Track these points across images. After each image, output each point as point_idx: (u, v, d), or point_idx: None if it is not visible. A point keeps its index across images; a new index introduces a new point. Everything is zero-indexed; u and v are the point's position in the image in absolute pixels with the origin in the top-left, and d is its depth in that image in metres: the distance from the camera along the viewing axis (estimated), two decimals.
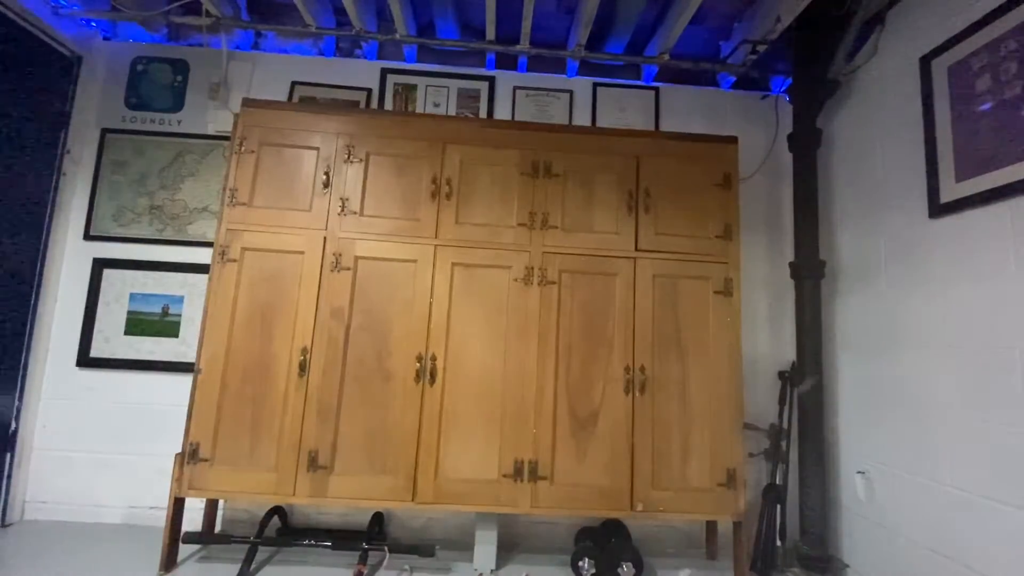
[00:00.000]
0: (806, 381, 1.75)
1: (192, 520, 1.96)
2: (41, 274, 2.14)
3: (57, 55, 2.19)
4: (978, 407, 1.48)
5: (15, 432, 2.06)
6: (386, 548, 1.85)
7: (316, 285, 1.83)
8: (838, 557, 1.95)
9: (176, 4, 2.19)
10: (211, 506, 2.03)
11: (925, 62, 1.74)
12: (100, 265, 2.20)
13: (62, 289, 2.20)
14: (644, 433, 1.84)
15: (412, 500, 1.76)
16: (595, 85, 2.48)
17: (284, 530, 2.02)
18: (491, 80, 2.46)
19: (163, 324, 2.19)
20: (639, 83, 2.52)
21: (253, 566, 1.79)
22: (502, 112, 2.44)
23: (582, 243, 1.93)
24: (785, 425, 2.11)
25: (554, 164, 1.96)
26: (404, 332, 1.83)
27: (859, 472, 1.90)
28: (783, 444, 2.10)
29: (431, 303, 1.85)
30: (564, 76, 2.49)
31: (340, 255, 1.85)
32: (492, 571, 1.88)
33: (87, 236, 2.23)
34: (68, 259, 2.22)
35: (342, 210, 1.88)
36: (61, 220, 2.21)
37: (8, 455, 2.05)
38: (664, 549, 2.16)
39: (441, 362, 1.83)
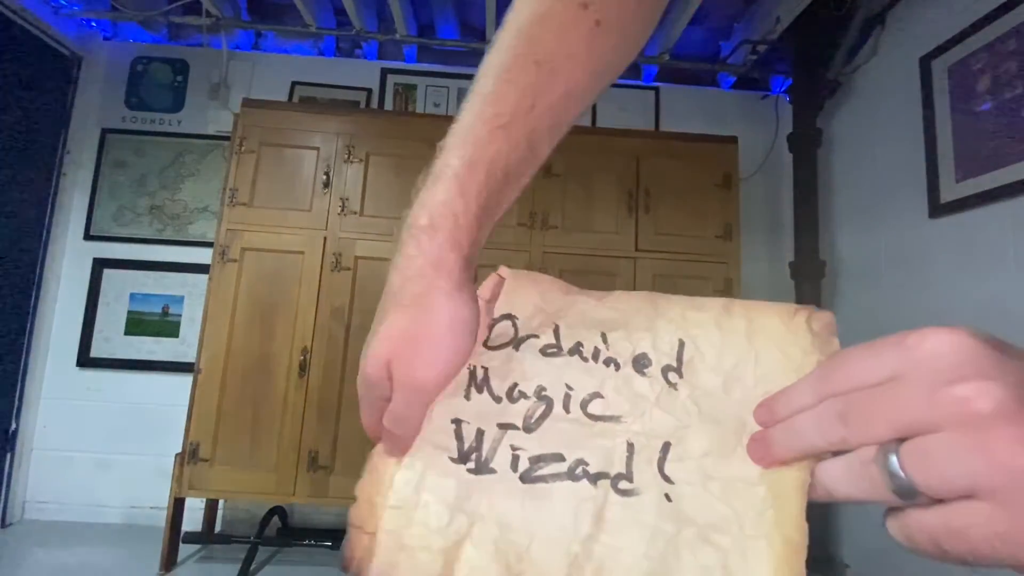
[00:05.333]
0: None
1: (192, 520, 1.96)
2: (41, 274, 2.14)
3: (57, 55, 2.19)
4: None
5: (15, 432, 2.06)
6: None
7: (316, 285, 1.83)
8: (838, 557, 1.95)
9: (176, 4, 2.19)
10: (211, 506, 2.03)
11: (925, 62, 1.74)
12: (100, 265, 2.20)
13: (62, 289, 2.20)
14: None
15: None
16: None
17: (284, 530, 2.02)
18: None
19: (163, 324, 2.19)
20: (639, 83, 2.52)
21: (253, 566, 1.79)
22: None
23: (582, 243, 1.93)
24: None
25: (554, 164, 1.96)
26: None
27: None
28: None
29: None
30: None
31: (340, 255, 1.85)
32: None
33: (87, 236, 2.23)
34: (68, 259, 2.22)
35: (342, 210, 1.88)
36: (61, 220, 2.21)
37: (8, 455, 2.05)
38: None
39: None
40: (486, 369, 0.31)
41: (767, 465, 0.27)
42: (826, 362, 0.25)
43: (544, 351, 0.32)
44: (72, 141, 2.24)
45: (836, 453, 0.24)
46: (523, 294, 0.35)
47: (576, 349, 0.31)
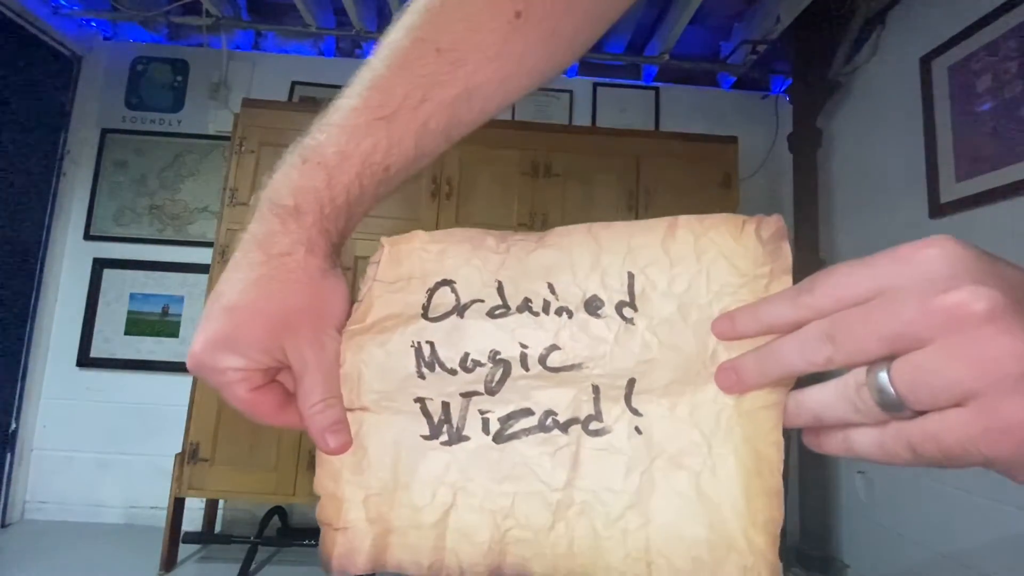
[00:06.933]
0: None
1: (192, 520, 1.96)
2: (41, 274, 2.14)
3: (57, 55, 2.18)
4: None
5: (15, 432, 2.06)
6: None
7: None
8: (838, 557, 1.95)
9: (176, 4, 2.19)
10: (211, 506, 2.03)
11: (925, 62, 1.74)
12: (100, 265, 2.20)
13: (62, 289, 2.20)
14: None
15: None
16: (595, 85, 2.48)
17: (284, 530, 2.02)
18: None
19: (163, 324, 2.19)
20: (639, 83, 2.52)
21: (253, 566, 1.79)
22: (502, 112, 2.43)
23: None
24: None
25: (554, 164, 1.96)
26: None
27: (859, 472, 1.90)
28: None
29: None
30: (564, 76, 2.49)
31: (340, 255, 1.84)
32: None
33: (87, 236, 2.22)
34: (68, 259, 2.22)
35: None
36: (61, 220, 2.21)
37: (8, 455, 2.05)
38: None
39: None
40: (431, 344, 0.30)
41: (738, 392, 0.26)
42: (810, 277, 0.24)
43: (492, 313, 0.30)
44: (72, 141, 2.24)
45: (814, 377, 0.24)
46: (454, 253, 0.32)
47: (525, 305, 0.30)
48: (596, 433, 0.29)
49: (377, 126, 0.30)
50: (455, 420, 0.30)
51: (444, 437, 0.30)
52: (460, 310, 0.31)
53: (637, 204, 1.97)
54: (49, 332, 2.17)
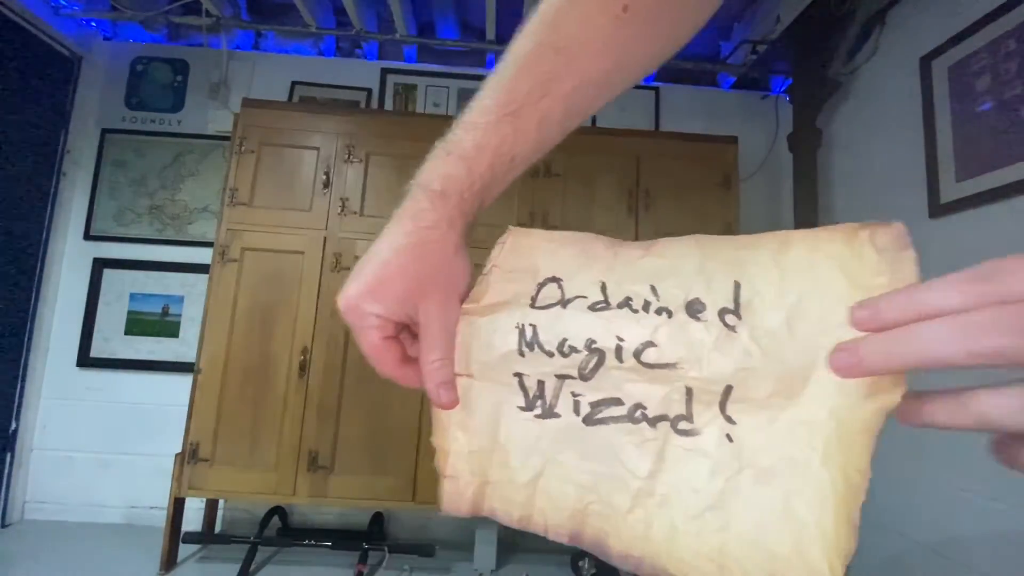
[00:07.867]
0: None
1: (192, 520, 1.96)
2: (41, 274, 2.14)
3: (57, 55, 2.18)
4: None
5: (15, 432, 2.06)
6: (386, 548, 1.85)
7: (316, 285, 1.83)
8: None
9: (176, 4, 2.19)
10: (211, 506, 2.03)
11: (925, 62, 1.74)
12: (100, 265, 2.20)
13: (62, 289, 2.20)
14: None
15: (412, 500, 1.76)
16: None
17: (284, 530, 2.02)
18: None
19: (163, 324, 2.19)
20: (639, 83, 2.51)
21: (253, 566, 1.79)
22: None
23: None
24: None
25: (554, 164, 1.96)
26: None
27: None
28: None
29: None
30: None
31: (340, 255, 1.85)
32: (492, 571, 1.88)
33: (87, 236, 2.22)
34: (68, 259, 2.22)
35: (342, 210, 1.88)
36: (61, 220, 2.21)
37: (8, 455, 2.05)
38: None
39: None
40: (534, 326, 0.33)
41: (851, 376, 0.23)
42: (977, 267, 0.20)
43: (593, 307, 0.32)
44: (72, 141, 2.24)
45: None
46: (565, 254, 0.35)
47: (625, 303, 0.31)
48: (685, 433, 0.29)
49: (506, 121, 0.35)
50: (548, 397, 0.32)
51: (538, 410, 0.33)
52: (564, 303, 0.33)
53: (637, 204, 1.97)
54: (49, 332, 2.17)
